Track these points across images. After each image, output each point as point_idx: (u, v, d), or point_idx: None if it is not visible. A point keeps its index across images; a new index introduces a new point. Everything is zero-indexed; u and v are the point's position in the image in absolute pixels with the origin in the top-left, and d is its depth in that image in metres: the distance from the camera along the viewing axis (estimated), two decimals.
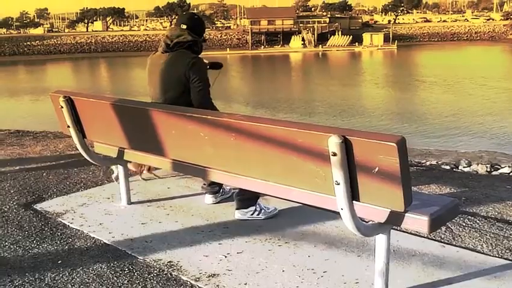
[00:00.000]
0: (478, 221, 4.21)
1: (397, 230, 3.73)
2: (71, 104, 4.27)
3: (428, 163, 10.60)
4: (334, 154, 2.60)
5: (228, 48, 74.41)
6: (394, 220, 2.79)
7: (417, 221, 2.74)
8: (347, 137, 2.57)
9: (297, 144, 2.85)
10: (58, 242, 3.97)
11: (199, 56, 4.36)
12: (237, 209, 4.35)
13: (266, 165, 3.18)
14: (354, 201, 2.73)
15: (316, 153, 2.75)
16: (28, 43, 76.92)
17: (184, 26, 4.35)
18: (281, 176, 3.16)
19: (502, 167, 10.01)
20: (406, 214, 2.75)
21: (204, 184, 4.67)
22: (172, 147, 3.79)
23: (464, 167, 10.41)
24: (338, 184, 2.67)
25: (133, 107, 3.99)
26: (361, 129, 2.72)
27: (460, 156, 12.54)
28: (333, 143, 2.58)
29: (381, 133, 2.57)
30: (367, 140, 2.53)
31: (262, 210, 4.35)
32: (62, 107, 4.27)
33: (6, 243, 3.96)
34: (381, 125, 21.04)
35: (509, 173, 9.19)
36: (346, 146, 2.58)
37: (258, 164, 3.23)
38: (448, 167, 10.16)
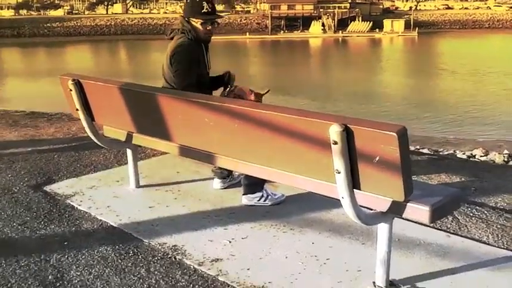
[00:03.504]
0: (485, 212, 4.18)
1: (402, 218, 3.71)
2: (79, 87, 4.30)
3: (445, 152, 10.54)
4: (335, 143, 2.59)
5: (247, 33, 74.04)
6: (396, 209, 2.78)
7: (418, 211, 2.73)
8: (348, 125, 2.56)
9: (300, 131, 2.85)
10: (65, 224, 4.02)
11: (187, 42, 4.31)
12: (243, 194, 4.36)
13: (270, 151, 3.18)
14: (355, 190, 2.72)
15: (318, 141, 2.74)
16: (48, 25, 77.11)
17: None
18: (284, 163, 3.16)
19: None
20: (408, 204, 2.74)
21: (215, 167, 4.68)
22: (178, 132, 3.81)
23: (481, 156, 10.33)
24: (339, 173, 2.66)
25: (141, 91, 4.01)
26: (365, 118, 2.69)
27: (478, 145, 12.43)
28: (334, 132, 2.57)
29: (381, 122, 2.55)
30: (367, 129, 2.51)
31: (269, 196, 4.35)
32: (71, 90, 4.30)
33: (14, 224, 4.01)
34: (399, 113, 20.85)
35: None
36: (347, 135, 2.57)
37: (262, 150, 3.23)
38: (464, 156, 10.10)
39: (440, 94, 26.66)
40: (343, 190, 2.69)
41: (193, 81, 4.17)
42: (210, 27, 4.39)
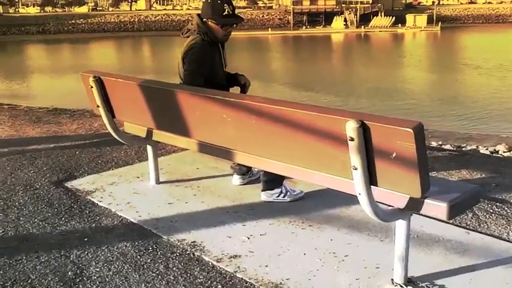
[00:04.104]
0: (506, 208, 4.14)
1: (421, 215, 3.69)
2: (100, 83, 4.33)
3: (468, 147, 10.43)
4: (352, 139, 2.58)
5: (269, 28, 73.92)
6: (413, 206, 2.76)
7: (436, 208, 2.71)
8: (365, 121, 2.55)
9: (317, 128, 2.84)
10: (86, 220, 4.06)
11: (200, 43, 4.29)
12: (262, 190, 4.37)
13: (287, 148, 3.17)
14: (372, 186, 2.71)
15: (334, 138, 2.73)
16: (73, 21, 77.70)
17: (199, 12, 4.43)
18: (302, 159, 3.15)
19: None
20: (426, 200, 2.72)
21: (234, 164, 4.68)
22: (197, 129, 3.82)
23: (504, 152, 10.20)
24: (356, 169, 2.65)
25: (160, 88, 4.02)
26: (376, 113, 2.68)
27: (501, 141, 12.28)
28: (351, 128, 2.56)
29: (398, 118, 2.54)
30: (384, 125, 2.50)
31: (288, 193, 4.35)
32: (92, 87, 4.34)
33: (36, 220, 4.07)
34: (422, 109, 20.67)
35: None
36: (364, 131, 2.56)
37: (279, 146, 3.23)
38: (487, 152, 9.97)
39: (464, 89, 26.35)
40: (360, 186, 2.68)
41: (200, 83, 4.12)
42: (229, 29, 4.38)
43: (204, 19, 4.32)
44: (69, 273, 3.27)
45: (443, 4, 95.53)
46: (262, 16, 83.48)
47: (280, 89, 25.87)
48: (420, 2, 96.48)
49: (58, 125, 7.63)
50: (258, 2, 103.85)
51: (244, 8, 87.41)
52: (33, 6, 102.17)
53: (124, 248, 3.59)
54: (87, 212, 4.22)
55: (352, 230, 3.79)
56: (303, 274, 3.23)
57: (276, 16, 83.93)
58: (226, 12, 4.27)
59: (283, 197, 4.34)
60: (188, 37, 4.37)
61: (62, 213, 4.20)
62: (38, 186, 4.80)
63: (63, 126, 7.58)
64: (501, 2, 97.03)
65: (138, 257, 3.46)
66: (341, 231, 3.78)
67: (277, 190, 4.33)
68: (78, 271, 3.29)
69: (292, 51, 53.70)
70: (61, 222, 4.03)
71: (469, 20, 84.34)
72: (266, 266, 3.34)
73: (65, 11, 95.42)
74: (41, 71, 34.87)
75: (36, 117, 8.39)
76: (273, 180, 4.28)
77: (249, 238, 3.72)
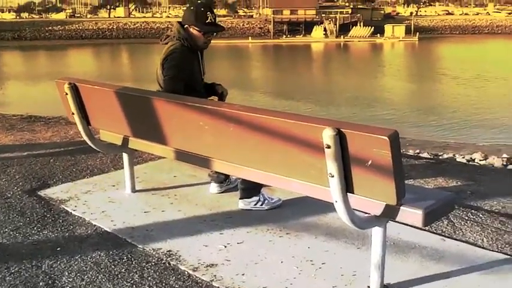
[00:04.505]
0: (481, 215, 4.17)
1: (397, 222, 3.69)
2: (75, 90, 4.28)
3: (445, 156, 10.53)
4: (328, 146, 2.58)
5: (250, 37, 74.07)
6: (389, 213, 2.77)
7: (412, 215, 2.73)
8: (341, 129, 2.55)
9: (294, 135, 2.85)
10: (59, 229, 3.99)
11: (179, 48, 4.29)
12: (240, 198, 4.35)
13: (264, 156, 3.17)
14: (348, 194, 2.71)
15: (311, 145, 2.73)
16: (50, 28, 77.13)
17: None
18: (280, 167, 3.14)
19: None
20: (401, 207, 2.74)
21: (211, 172, 4.65)
22: (174, 137, 3.79)
23: (480, 160, 10.31)
24: (332, 176, 2.65)
25: (137, 95, 3.99)
26: (355, 122, 2.68)
27: (478, 149, 12.41)
28: (327, 136, 2.56)
29: (374, 126, 2.55)
30: (360, 133, 2.51)
31: (266, 201, 4.33)
32: (67, 94, 4.28)
33: (7, 230, 3.98)
34: (402, 117, 20.86)
35: None
36: (341, 139, 2.56)
37: (257, 154, 3.22)
38: (463, 160, 10.07)
39: (442, 99, 26.65)
40: (337, 194, 2.68)
41: (180, 88, 4.13)
42: (210, 37, 4.40)
43: (186, 26, 4.32)
44: (41, 283, 3.20)
45: (421, 15, 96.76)
46: (243, 25, 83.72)
47: (261, 98, 25.93)
48: (398, 13, 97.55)
49: (32, 133, 7.52)
50: (239, 11, 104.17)
51: (224, 16, 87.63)
52: (9, 12, 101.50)
53: (98, 257, 3.53)
54: (61, 221, 4.15)
55: (330, 237, 3.77)
56: (280, 282, 3.21)
57: (256, 25, 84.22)
58: (209, 20, 4.31)
59: (261, 205, 4.31)
60: (167, 43, 4.35)
61: (35, 222, 4.11)
62: (9, 195, 4.70)
63: (38, 133, 7.47)
64: (477, 14, 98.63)
65: (113, 266, 3.41)
66: (318, 238, 3.77)
67: (255, 198, 4.31)
68: (50, 281, 3.22)
69: (272, 60, 53.92)
70: (33, 231, 3.94)
71: (446, 31, 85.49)
72: (243, 274, 3.31)
73: (41, 17, 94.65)
74: (16, 78, 34.59)
75: (10, 125, 8.25)
76: (250, 188, 4.25)
77: (226, 246, 3.69)
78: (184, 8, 4.48)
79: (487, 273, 3.26)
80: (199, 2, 4.42)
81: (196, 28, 4.29)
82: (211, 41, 4.49)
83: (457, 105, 24.20)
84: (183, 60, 4.25)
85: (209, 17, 4.30)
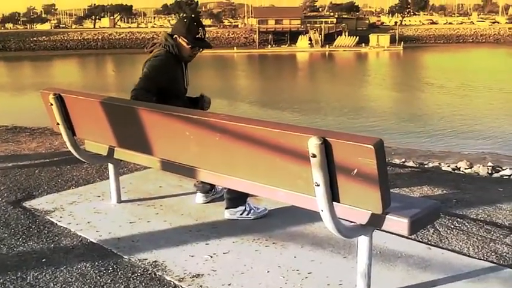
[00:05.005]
0: (466, 223, 4.19)
1: (383, 231, 3.70)
2: (60, 101, 4.26)
3: (430, 164, 10.58)
4: (314, 155, 2.58)
5: (235, 47, 74.30)
6: (375, 222, 2.77)
7: (397, 223, 2.72)
8: (327, 138, 2.55)
9: (279, 145, 2.84)
10: (44, 241, 3.95)
11: (165, 55, 4.30)
12: (226, 208, 4.34)
13: (250, 165, 3.16)
14: (334, 203, 2.71)
15: (297, 155, 2.73)
16: (34, 38, 77.03)
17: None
18: (265, 177, 3.14)
19: (503, 169, 9.98)
20: (387, 216, 2.73)
21: (197, 181, 4.64)
22: (160, 146, 3.78)
23: (465, 169, 10.38)
24: (318, 185, 2.65)
25: (122, 105, 3.98)
26: (341, 131, 2.69)
27: (463, 158, 12.50)
28: (313, 145, 2.56)
29: (359, 135, 2.55)
30: (345, 141, 2.51)
31: (252, 210, 4.33)
32: (52, 104, 4.26)
33: None
34: (387, 126, 20.99)
35: (509, 175, 9.15)
36: (326, 148, 2.56)
37: (243, 164, 3.21)
38: (449, 169, 10.14)
39: (428, 108, 26.84)
40: (323, 203, 2.68)
41: (150, 90, 4.10)
42: (196, 52, 4.42)
43: (175, 36, 4.33)
44: None
45: (405, 24, 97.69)
46: (228, 35, 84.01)
47: (247, 107, 25.97)
48: (383, 23, 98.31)
49: (17, 144, 7.47)
50: (224, 21, 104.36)
51: (210, 26, 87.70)
52: None
53: (83, 268, 3.50)
54: (46, 232, 4.12)
55: (316, 246, 3.77)
56: None
57: (241, 35, 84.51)
58: (199, 35, 4.34)
59: (247, 214, 4.31)
60: (152, 51, 4.35)
61: (20, 233, 4.08)
62: None
63: (22, 144, 7.42)
64: (461, 23, 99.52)
65: (98, 277, 3.38)
66: (305, 248, 3.76)
67: (241, 208, 4.30)
68: None
69: (258, 69, 54.04)
70: (18, 243, 3.91)
71: (431, 40, 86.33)
72: (229, 284, 3.30)
73: (26, 28, 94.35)
74: (1, 89, 34.36)
75: None
76: (237, 198, 4.25)
77: (211, 257, 3.67)
78: (172, 19, 4.51)
79: (473, 281, 3.28)
80: (192, 16, 4.48)
81: (185, 40, 4.30)
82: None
83: (442, 114, 24.37)
84: (165, 65, 4.25)
85: (200, 33, 4.33)
